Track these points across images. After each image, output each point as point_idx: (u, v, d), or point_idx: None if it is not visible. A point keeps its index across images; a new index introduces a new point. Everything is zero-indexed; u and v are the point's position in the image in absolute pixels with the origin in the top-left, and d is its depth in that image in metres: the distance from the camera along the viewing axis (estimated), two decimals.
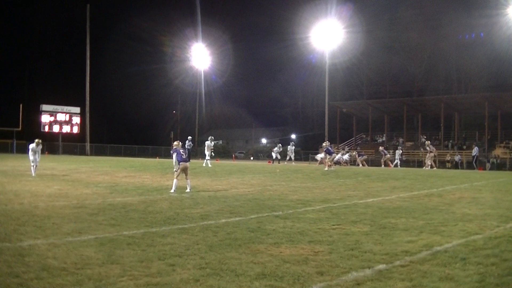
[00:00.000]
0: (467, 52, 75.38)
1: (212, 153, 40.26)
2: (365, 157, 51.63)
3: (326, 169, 34.80)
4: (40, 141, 26.98)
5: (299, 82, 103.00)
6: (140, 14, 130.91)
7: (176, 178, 19.62)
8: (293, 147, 50.58)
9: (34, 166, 26.07)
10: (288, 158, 49.31)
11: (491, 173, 38.74)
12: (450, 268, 7.84)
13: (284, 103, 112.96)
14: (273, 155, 50.59)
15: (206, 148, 38.76)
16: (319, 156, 49.70)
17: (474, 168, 46.76)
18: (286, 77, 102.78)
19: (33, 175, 25.40)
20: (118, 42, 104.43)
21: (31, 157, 26.21)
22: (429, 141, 48.09)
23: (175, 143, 21.06)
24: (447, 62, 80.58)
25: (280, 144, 55.06)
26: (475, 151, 49.41)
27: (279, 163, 48.50)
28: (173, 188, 19.28)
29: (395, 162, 48.20)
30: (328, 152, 37.36)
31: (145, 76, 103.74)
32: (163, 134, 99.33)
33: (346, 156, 50.81)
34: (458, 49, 77.15)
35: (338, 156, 48.58)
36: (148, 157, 69.38)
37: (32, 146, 26.35)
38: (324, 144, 41.57)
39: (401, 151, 51.35)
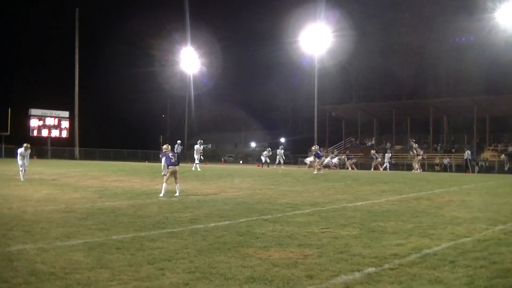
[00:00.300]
0: (456, 56, 75.63)
1: (201, 157, 40.32)
2: (354, 160, 51.65)
3: (315, 172, 34.84)
4: (28, 145, 26.72)
5: (288, 86, 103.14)
6: (129, 18, 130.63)
7: (166, 182, 19.50)
8: (283, 151, 50.32)
9: (23, 170, 25.87)
10: (277, 161, 49.11)
11: (480, 176, 38.90)
12: (439, 271, 7.88)
13: (274, 107, 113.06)
14: (263, 158, 50.52)
15: (195, 151, 38.71)
16: (308, 159, 49.63)
17: (468, 171, 46.96)
18: (276, 80, 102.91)
19: (21, 179, 25.26)
20: (107, 46, 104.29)
21: (19, 162, 26.03)
22: (416, 144, 48.34)
23: (164, 146, 20.94)
24: (436, 66, 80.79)
25: (269, 148, 54.84)
26: (467, 154, 49.63)
27: (268, 166, 48.51)
28: (162, 192, 19.19)
29: (384, 165, 48.26)
30: (317, 156, 37.40)
31: (134, 80, 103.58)
32: (152, 138, 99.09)
33: (335, 160, 50.96)
34: (447, 53, 77.36)
35: (327, 160, 48.74)
36: (138, 161, 69.24)
37: (20, 150, 26.17)
38: (313, 148, 41.58)
39: (390, 154, 51.48)
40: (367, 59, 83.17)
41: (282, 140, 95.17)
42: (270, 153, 51.43)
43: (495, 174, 43.86)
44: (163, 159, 19.99)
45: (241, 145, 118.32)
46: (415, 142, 50.99)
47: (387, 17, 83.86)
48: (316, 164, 37.20)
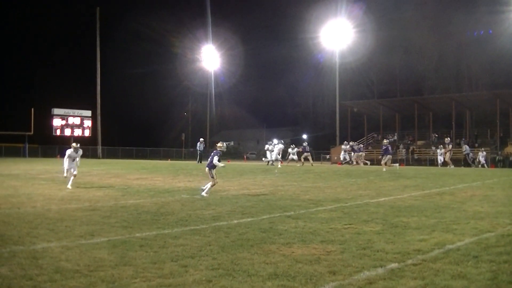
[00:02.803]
0: (476, 49, 75.17)
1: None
2: (362, 153, 50.76)
3: (384, 170, 34.31)
4: (78, 145, 23.34)
5: (309, 82, 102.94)
6: (150, 15, 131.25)
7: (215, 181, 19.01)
8: (295, 150, 48.94)
9: (71, 175, 22.17)
10: (289, 159, 47.67)
11: (503, 170, 38.60)
12: (462, 266, 7.83)
13: (295, 103, 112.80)
14: (269, 155, 48.65)
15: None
16: (342, 155, 49.43)
17: (469, 166, 46.44)
18: (297, 77, 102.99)
19: (68, 187, 21.50)
20: (128, 44, 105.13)
21: (66, 165, 22.37)
22: (448, 139, 48.26)
23: (219, 144, 20.20)
24: (457, 60, 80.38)
25: (293, 145, 53.89)
26: (465, 149, 49.28)
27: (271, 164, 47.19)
28: (206, 190, 18.69)
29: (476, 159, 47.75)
30: (387, 153, 36.76)
31: (155, 77, 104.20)
32: (174, 136, 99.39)
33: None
34: (467, 46, 76.95)
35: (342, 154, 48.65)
36: (160, 159, 69.51)
37: (69, 151, 22.54)
38: (384, 141, 41.06)
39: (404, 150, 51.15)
40: (388, 54, 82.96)
41: (304, 136, 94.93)
42: (294, 150, 49.75)
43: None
44: (216, 158, 18.82)
45: (263, 142, 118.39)
46: (446, 137, 50.73)
47: (407, 12, 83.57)
48: (383, 161, 36.71)
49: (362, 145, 54.62)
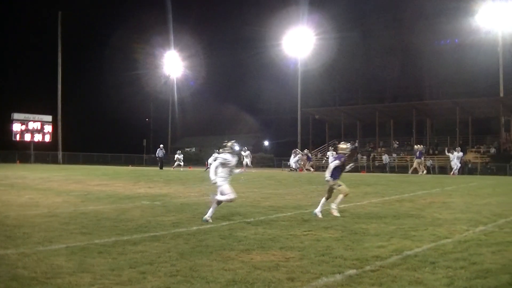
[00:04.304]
0: (439, 58, 76.03)
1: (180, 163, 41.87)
2: (311, 162, 51.71)
3: (420, 173, 34.44)
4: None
5: (272, 89, 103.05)
6: (111, 21, 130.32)
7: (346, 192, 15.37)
8: (247, 153, 49.33)
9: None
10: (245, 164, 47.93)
11: (462, 177, 39.10)
12: (419, 272, 7.94)
13: (258, 110, 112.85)
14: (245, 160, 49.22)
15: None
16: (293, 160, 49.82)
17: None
18: (260, 84, 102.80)
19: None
20: (90, 50, 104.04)
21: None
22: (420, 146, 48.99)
23: (342, 145, 15.90)
24: (419, 68, 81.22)
25: (245, 147, 53.80)
26: (385, 158, 50.55)
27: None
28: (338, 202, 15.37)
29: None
30: (420, 156, 37.16)
31: (117, 84, 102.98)
32: (136, 142, 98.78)
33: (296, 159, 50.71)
34: (430, 55, 77.76)
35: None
36: (121, 165, 69.04)
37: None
38: (416, 147, 41.67)
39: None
40: (350, 62, 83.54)
41: (266, 143, 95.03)
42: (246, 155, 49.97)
43: (477, 176, 44.06)
44: (336, 162, 15.12)
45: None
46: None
47: (370, 20, 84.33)
48: (416, 164, 36.84)
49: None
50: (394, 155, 60.11)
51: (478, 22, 59.50)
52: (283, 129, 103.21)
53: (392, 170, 53.31)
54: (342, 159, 15.15)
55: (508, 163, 50.04)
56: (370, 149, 66.18)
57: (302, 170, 49.70)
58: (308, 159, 51.51)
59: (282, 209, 16.31)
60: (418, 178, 35.55)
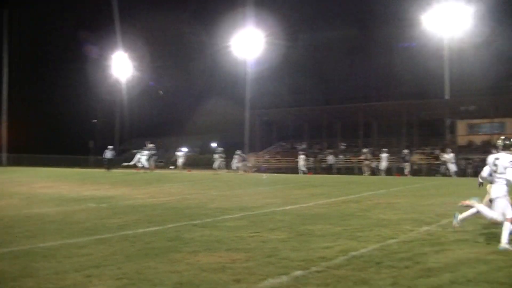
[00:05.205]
0: (386, 60, 76.84)
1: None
2: (245, 162, 52.47)
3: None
4: None
5: (220, 91, 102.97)
6: (58, 20, 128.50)
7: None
8: (182, 153, 50.17)
9: None
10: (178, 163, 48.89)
11: (407, 179, 39.63)
12: (365, 273, 8.03)
13: (206, 111, 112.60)
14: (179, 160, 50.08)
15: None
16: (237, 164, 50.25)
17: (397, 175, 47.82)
18: (208, 85, 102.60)
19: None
20: (36, 48, 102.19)
21: None
22: (366, 149, 49.91)
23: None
24: (366, 70, 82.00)
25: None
26: (330, 159, 51.59)
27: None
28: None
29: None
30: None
31: (64, 83, 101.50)
32: (82, 143, 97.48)
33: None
34: (377, 57, 78.55)
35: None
36: (67, 167, 68.11)
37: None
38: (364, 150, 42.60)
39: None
40: (298, 64, 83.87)
41: (214, 145, 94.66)
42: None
43: (422, 177, 44.65)
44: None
45: (172, 151, 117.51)
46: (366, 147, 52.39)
47: (318, 22, 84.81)
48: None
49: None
50: (341, 156, 60.57)
51: (425, 26, 60.25)
52: (231, 130, 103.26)
53: (339, 171, 53.69)
54: None
55: None
56: (317, 150, 66.58)
57: (248, 171, 50.03)
58: (243, 160, 52.19)
59: (229, 211, 16.27)
60: (364, 179, 35.99)
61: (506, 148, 10.63)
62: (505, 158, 10.30)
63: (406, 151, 46.27)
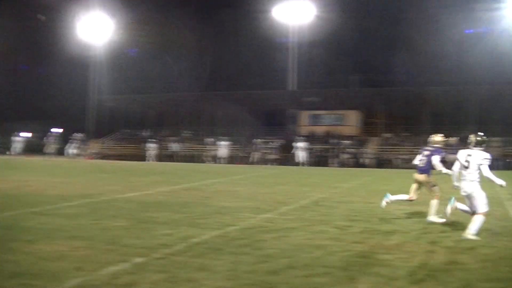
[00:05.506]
0: (233, 51, 77.71)
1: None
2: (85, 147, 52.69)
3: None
4: None
5: (64, 75, 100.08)
6: None
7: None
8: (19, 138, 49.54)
9: None
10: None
11: (249, 167, 40.40)
12: (205, 259, 8.19)
13: (49, 96, 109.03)
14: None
15: None
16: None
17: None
18: (50, 69, 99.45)
19: None
20: None
21: None
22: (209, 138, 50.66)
23: (439, 138, 13.28)
24: (214, 60, 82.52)
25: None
26: (174, 147, 52.89)
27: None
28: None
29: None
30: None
31: None
32: None
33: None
34: (223, 48, 79.22)
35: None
36: None
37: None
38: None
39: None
40: (145, 51, 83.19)
41: (54, 130, 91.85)
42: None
43: (265, 166, 45.67)
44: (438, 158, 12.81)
45: (7, 135, 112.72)
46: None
47: (166, 8, 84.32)
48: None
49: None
50: (185, 144, 60.73)
51: (272, 17, 61.53)
52: (74, 116, 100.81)
53: (182, 159, 53.89)
54: (443, 153, 12.95)
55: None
56: (160, 138, 66.42)
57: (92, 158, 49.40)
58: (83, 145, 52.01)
59: (70, 198, 15.89)
60: (207, 168, 36.39)
61: (478, 144, 10.96)
62: (478, 155, 10.69)
63: (258, 140, 46.88)
